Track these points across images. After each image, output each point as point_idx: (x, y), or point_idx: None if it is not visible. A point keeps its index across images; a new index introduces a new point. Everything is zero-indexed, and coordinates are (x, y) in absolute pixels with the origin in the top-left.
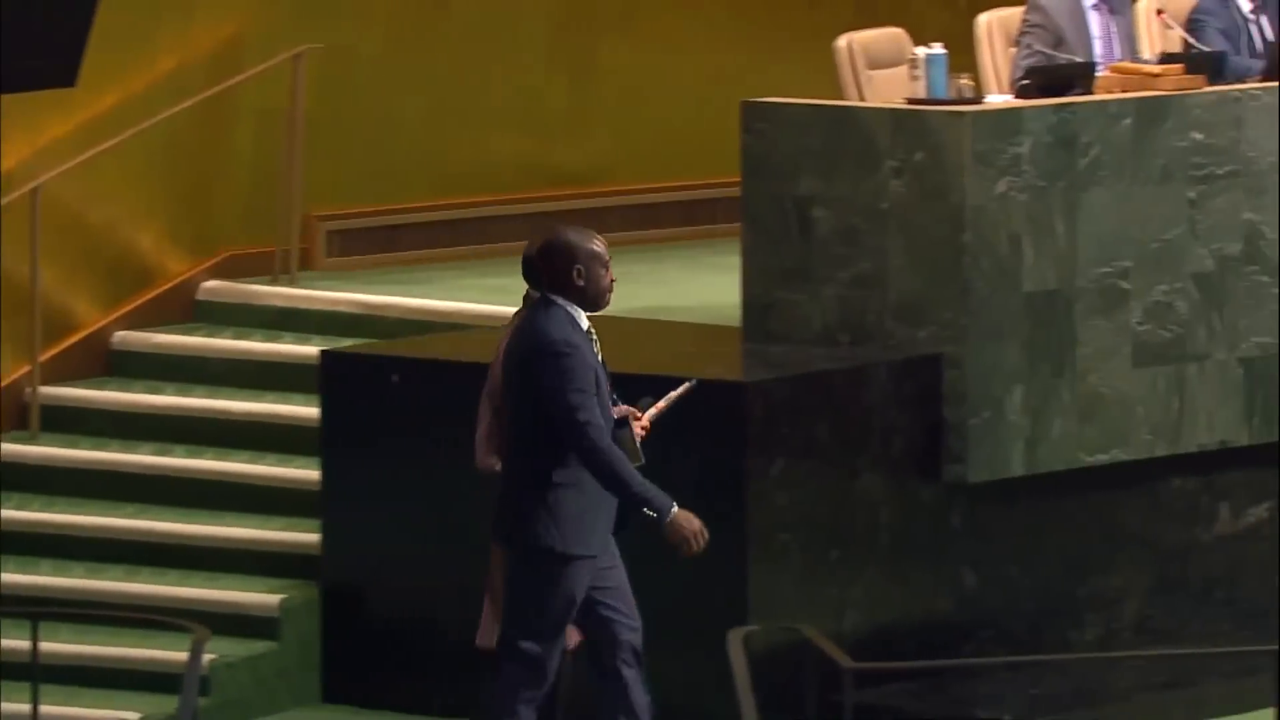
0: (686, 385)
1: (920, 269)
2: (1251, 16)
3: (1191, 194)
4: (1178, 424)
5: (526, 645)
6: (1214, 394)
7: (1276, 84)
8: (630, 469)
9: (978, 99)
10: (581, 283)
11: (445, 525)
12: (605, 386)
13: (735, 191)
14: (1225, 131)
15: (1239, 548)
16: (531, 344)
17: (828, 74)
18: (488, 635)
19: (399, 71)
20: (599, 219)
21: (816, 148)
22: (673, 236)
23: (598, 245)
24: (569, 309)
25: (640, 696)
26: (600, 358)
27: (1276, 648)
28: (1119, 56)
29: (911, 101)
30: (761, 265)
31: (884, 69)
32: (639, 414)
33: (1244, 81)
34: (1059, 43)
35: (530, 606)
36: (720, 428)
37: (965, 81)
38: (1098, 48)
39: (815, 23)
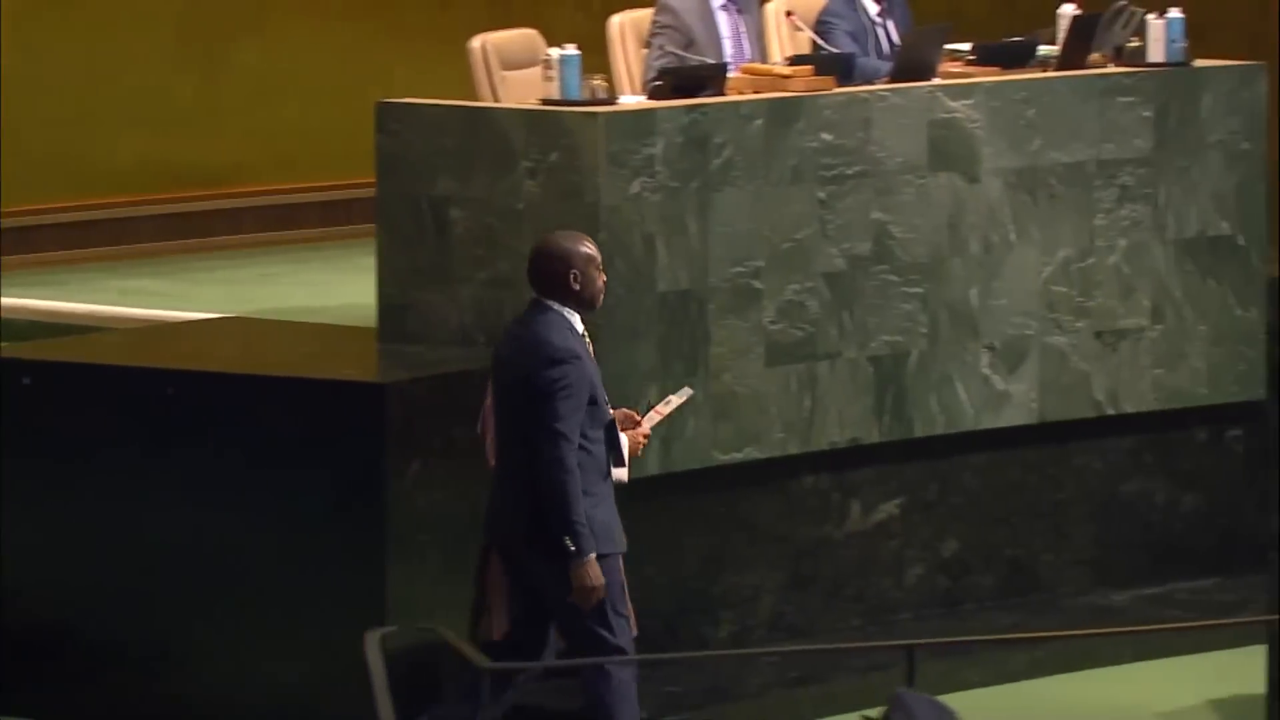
0: (684, 393)
1: None
2: (879, 19)
3: (822, 194)
4: (809, 422)
5: (615, 641)
6: (845, 392)
7: (903, 85)
8: (579, 498)
9: (611, 100)
10: (577, 286)
11: (76, 528)
12: (601, 391)
13: (371, 192)
14: (854, 132)
15: (869, 544)
16: (534, 352)
17: (462, 75)
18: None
19: (28, 70)
20: (234, 220)
21: (452, 148)
22: (309, 238)
23: (589, 248)
24: (564, 313)
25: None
26: (593, 354)
27: (905, 643)
28: (749, 57)
29: (546, 102)
30: (397, 266)
31: (518, 70)
32: (638, 418)
33: (872, 83)
34: (689, 43)
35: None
36: (357, 429)
37: (599, 82)
38: (728, 48)
39: (448, 23)
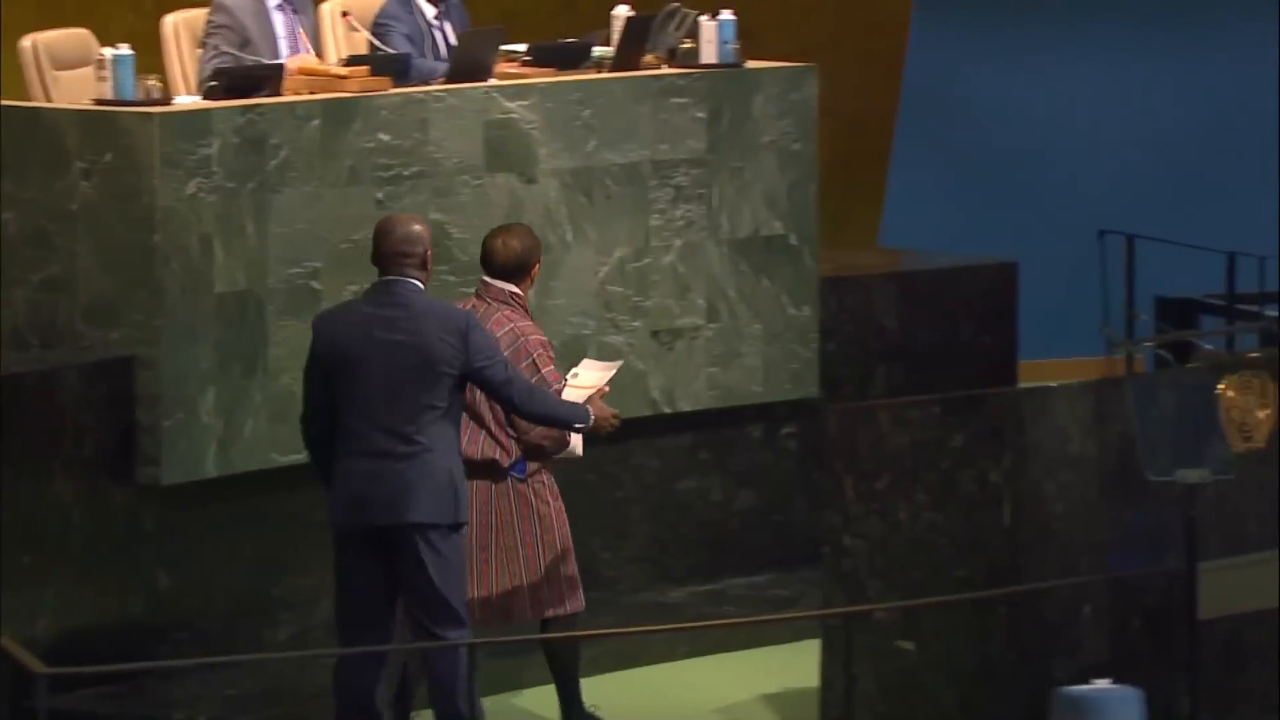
0: (612, 366)
1: (111, 271)
2: (436, 22)
3: (380, 195)
4: None
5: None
6: None
7: (459, 86)
8: (553, 398)
9: (166, 100)
10: (429, 266)
11: None
12: None
13: None
14: (411, 133)
15: None
16: (445, 323)
17: (13, 74)
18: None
19: None
20: None
21: (3, 149)
22: None
23: (427, 229)
24: (420, 286)
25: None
26: None
27: (465, 642)
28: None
29: (100, 102)
30: None
31: (71, 70)
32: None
33: (428, 84)
34: (245, 43)
35: (463, 581)
36: None
37: (153, 82)
38: (283, 48)
39: None
